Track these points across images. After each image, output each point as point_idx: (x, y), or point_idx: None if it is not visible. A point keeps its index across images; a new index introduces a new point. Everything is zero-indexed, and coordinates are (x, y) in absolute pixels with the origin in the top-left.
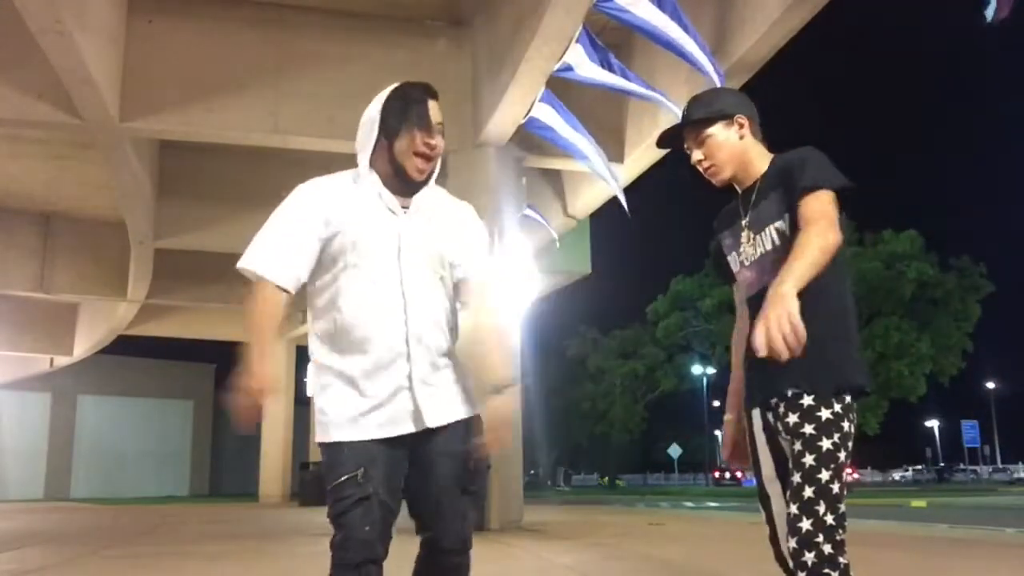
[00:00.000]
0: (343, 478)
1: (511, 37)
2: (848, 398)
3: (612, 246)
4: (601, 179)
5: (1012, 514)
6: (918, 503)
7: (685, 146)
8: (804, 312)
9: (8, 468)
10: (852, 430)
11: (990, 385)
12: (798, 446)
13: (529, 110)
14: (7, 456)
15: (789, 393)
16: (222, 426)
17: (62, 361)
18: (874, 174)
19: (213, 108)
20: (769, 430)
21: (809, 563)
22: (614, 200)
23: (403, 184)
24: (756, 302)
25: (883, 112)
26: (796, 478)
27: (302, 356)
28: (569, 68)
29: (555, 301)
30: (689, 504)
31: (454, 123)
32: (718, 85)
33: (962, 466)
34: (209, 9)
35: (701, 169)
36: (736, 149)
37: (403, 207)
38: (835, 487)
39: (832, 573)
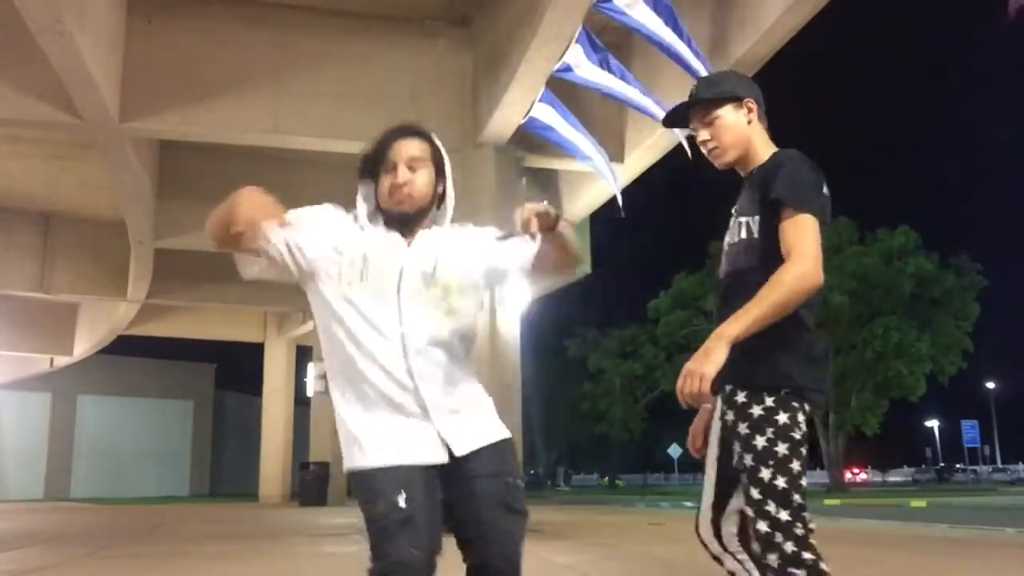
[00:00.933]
0: (381, 504)
1: (511, 37)
2: (785, 392)
3: (612, 246)
4: (602, 178)
5: (1012, 514)
6: (918, 503)
7: (691, 125)
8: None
9: (8, 468)
10: (794, 423)
11: (990, 385)
12: (737, 447)
13: (529, 110)
14: (7, 456)
15: (727, 389)
16: (222, 426)
17: (62, 361)
18: (873, 173)
19: (213, 108)
20: (723, 424)
21: (774, 565)
22: (614, 200)
23: (396, 222)
24: (722, 288)
25: (883, 112)
26: (744, 479)
27: (301, 356)
28: (569, 68)
29: (555, 301)
30: (689, 504)
31: (454, 123)
32: None
33: (962, 466)
34: (209, 9)
35: (705, 150)
36: (742, 133)
37: (407, 243)
38: (780, 482)
39: (798, 572)
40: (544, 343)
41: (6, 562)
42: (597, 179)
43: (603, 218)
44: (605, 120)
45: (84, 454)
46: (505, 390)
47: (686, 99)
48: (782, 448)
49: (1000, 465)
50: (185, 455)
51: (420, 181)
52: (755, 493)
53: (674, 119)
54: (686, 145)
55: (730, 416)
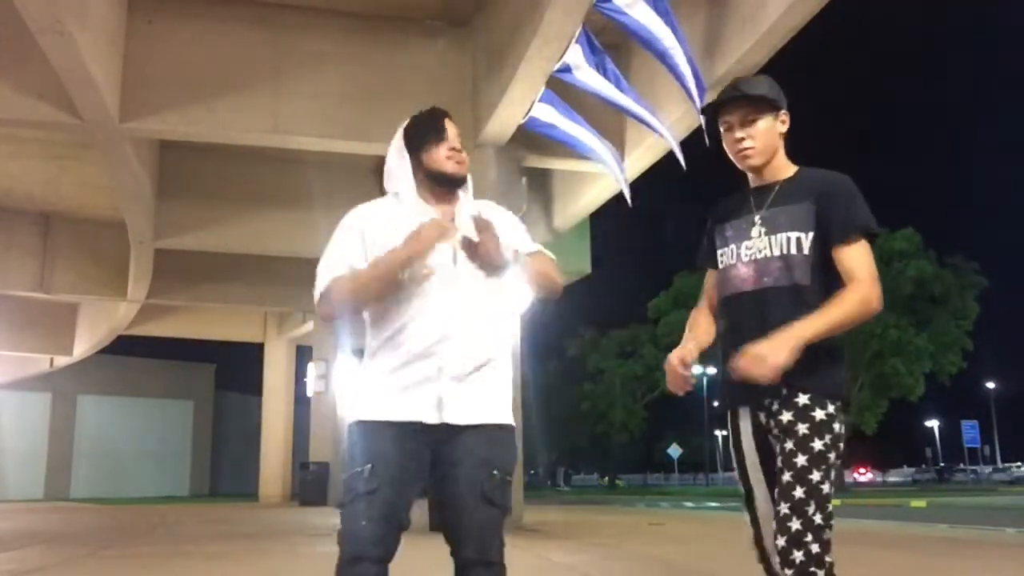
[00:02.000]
0: (351, 472)
1: (511, 37)
2: (840, 403)
3: (612, 246)
4: (608, 172)
5: (1012, 514)
6: (918, 503)
7: (724, 119)
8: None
9: (8, 468)
10: (843, 432)
11: (990, 385)
12: (790, 445)
13: (529, 109)
14: (7, 456)
15: (784, 391)
16: (222, 426)
17: (62, 361)
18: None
19: (213, 108)
20: (760, 430)
21: (797, 561)
22: (614, 200)
23: (444, 188)
24: (745, 300)
25: (882, 111)
26: (786, 477)
27: (301, 356)
28: (568, 69)
29: (555, 301)
30: (689, 504)
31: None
32: (697, 102)
33: (962, 466)
34: (209, 9)
35: (736, 148)
36: (774, 143)
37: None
38: (825, 487)
39: (819, 572)
40: (544, 343)
41: (6, 562)
42: (597, 179)
43: (604, 218)
44: (605, 120)
45: (84, 454)
46: None
47: (734, 92)
48: (832, 456)
49: (1000, 465)
50: (185, 455)
51: (465, 157)
52: (799, 492)
53: (714, 108)
54: (679, 153)
55: (786, 416)
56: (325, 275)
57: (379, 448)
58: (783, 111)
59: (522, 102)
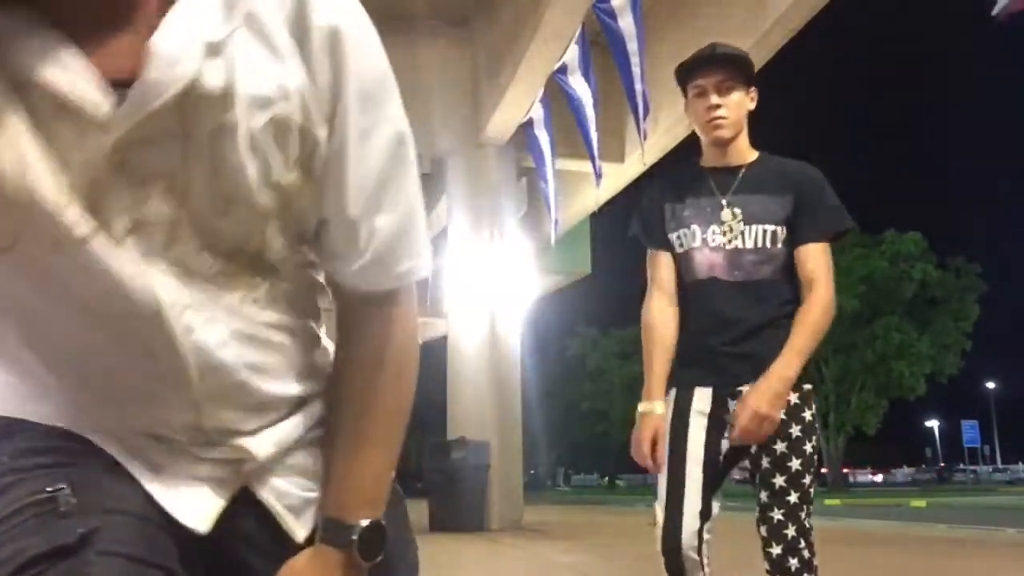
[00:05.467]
0: None
1: (511, 37)
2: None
3: (612, 246)
4: (546, 209)
5: (1012, 514)
6: (918, 503)
7: (697, 82)
8: (782, 317)
9: None
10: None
11: (990, 385)
12: (782, 447)
13: (529, 110)
14: None
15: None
16: None
17: None
18: (873, 173)
19: None
20: (715, 416)
21: (793, 568)
22: (615, 199)
23: None
24: (715, 290)
25: (882, 111)
26: (779, 481)
27: None
28: (565, 70)
29: (555, 301)
30: None
31: (454, 123)
32: (641, 124)
33: (962, 466)
34: None
35: (710, 116)
36: (743, 118)
37: None
38: (811, 490)
39: None
40: (544, 343)
41: None
42: (592, 180)
43: (604, 218)
44: (606, 120)
45: None
46: (505, 390)
47: (713, 51)
48: (809, 446)
49: (1000, 465)
50: None
51: None
52: (793, 497)
53: (692, 65)
54: (643, 147)
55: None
56: None
57: None
58: (753, 88)
59: (522, 102)
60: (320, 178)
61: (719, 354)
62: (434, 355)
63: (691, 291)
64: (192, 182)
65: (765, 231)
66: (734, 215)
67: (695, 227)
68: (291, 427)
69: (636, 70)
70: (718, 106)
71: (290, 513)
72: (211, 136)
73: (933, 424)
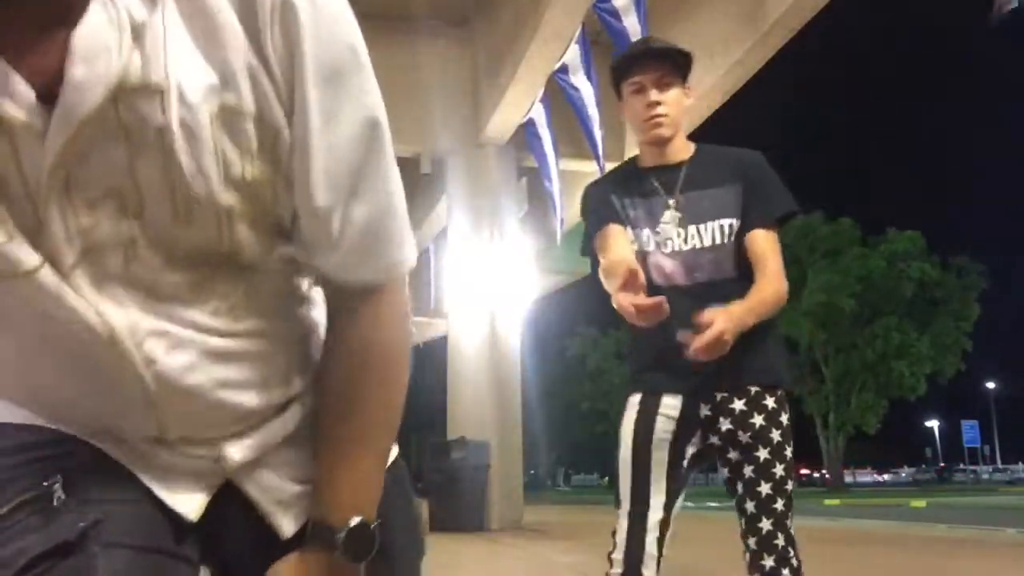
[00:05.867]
0: None
1: (511, 37)
2: (784, 390)
3: None
4: (550, 206)
5: (1012, 514)
6: (918, 503)
7: (634, 79)
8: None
9: None
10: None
11: (990, 385)
12: (764, 454)
13: (529, 110)
14: None
15: (752, 391)
16: None
17: None
18: (875, 173)
19: None
20: (683, 422)
21: (766, 567)
22: None
23: None
24: (675, 296)
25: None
26: (765, 489)
27: None
28: (566, 70)
29: (555, 301)
30: (689, 504)
31: (454, 123)
32: (598, 145)
33: (962, 466)
34: None
35: (649, 113)
36: (682, 115)
37: None
38: (792, 494)
39: None
40: (544, 343)
41: None
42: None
43: None
44: (605, 120)
45: None
46: (505, 390)
47: (650, 46)
48: (789, 451)
49: (1000, 465)
50: None
51: None
52: (779, 505)
53: (627, 61)
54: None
55: (758, 420)
56: None
57: None
58: (688, 84)
59: (522, 102)
60: (287, 169)
61: (688, 361)
62: (434, 355)
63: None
64: (144, 192)
65: (721, 226)
66: (682, 217)
67: (646, 230)
68: (276, 427)
69: None
70: (658, 103)
71: (278, 507)
72: (156, 136)
73: (933, 424)
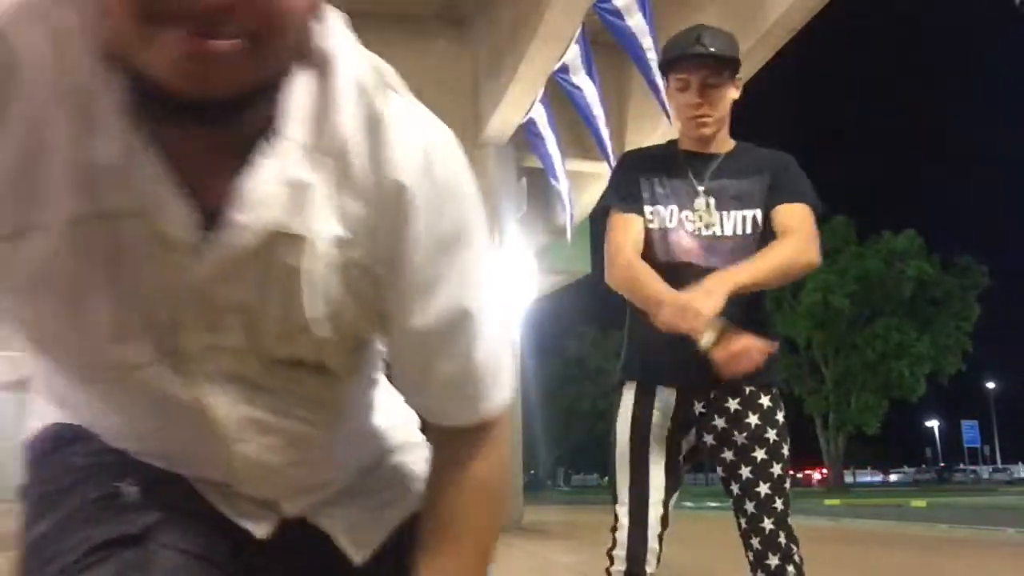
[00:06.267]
0: None
1: (511, 37)
2: (778, 388)
3: None
4: (560, 204)
5: (1012, 514)
6: (918, 503)
7: (680, 76)
8: (749, 310)
9: (8, 468)
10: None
11: (990, 385)
12: (761, 454)
13: (529, 110)
14: (7, 456)
15: (747, 391)
16: None
17: None
18: (875, 173)
19: None
20: (679, 417)
21: (791, 574)
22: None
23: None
24: (690, 275)
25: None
26: (764, 489)
27: None
28: (566, 69)
29: (555, 301)
30: (689, 504)
31: (454, 123)
32: (670, 115)
33: (962, 466)
34: None
35: (693, 114)
36: (727, 112)
37: None
38: (787, 484)
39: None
40: (544, 343)
41: (6, 562)
42: (598, 179)
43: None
44: (605, 117)
45: None
46: None
47: (699, 47)
48: (786, 450)
49: (1000, 465)
50: None
51: None
52: (779, 504)
53: (674, 60)
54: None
55: (753, 420)
56: None
57: None
58: (739, 77)
59: (522, 102)
60: (382, 322)
61: (688, 348)
62: None
63: (663, 274)
64: (264, 316)
65: (744, 217)
66: (708, 203)
67: (673, 207)
68: (328, 490)
69: (654, 64)
70: (701, 104)
71: (348, 534)
72: (286, 274)
73: (933, 424)
